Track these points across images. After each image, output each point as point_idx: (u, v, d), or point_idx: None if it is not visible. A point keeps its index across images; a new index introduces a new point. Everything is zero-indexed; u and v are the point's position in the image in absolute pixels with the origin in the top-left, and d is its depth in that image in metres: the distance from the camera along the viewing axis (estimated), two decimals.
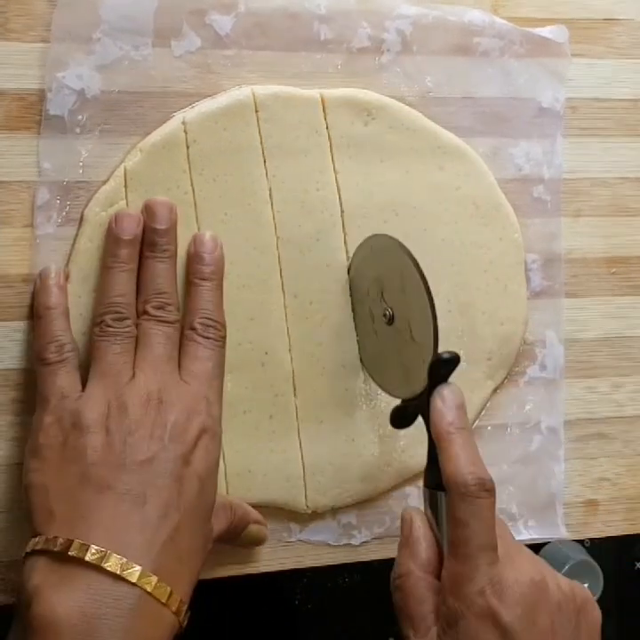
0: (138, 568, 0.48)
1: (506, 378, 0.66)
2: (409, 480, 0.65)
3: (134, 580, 0.48)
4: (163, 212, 0.57)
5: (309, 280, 0.62)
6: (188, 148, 0.59)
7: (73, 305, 0.57)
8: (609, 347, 0.69)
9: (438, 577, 0.53)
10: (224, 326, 0.58)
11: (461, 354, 0.63)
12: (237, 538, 0.60)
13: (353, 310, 0.62)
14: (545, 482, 0.67)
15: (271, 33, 0.61)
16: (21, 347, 0.58)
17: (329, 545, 0.64)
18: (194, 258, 0.58)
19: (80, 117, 0.57)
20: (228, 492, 0.61)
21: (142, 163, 0.58)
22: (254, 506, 0.61)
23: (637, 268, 0.69)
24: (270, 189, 0.61)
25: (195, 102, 0.60)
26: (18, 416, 0.58)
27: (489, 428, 0.66)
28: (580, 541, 0.69)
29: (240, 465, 0.61)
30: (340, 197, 0.62)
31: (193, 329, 0.57)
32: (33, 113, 0.57)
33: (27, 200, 0.58)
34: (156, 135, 0.59)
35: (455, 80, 0.64)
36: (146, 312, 0.56)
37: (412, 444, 0.64)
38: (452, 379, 0.55)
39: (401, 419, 0.58)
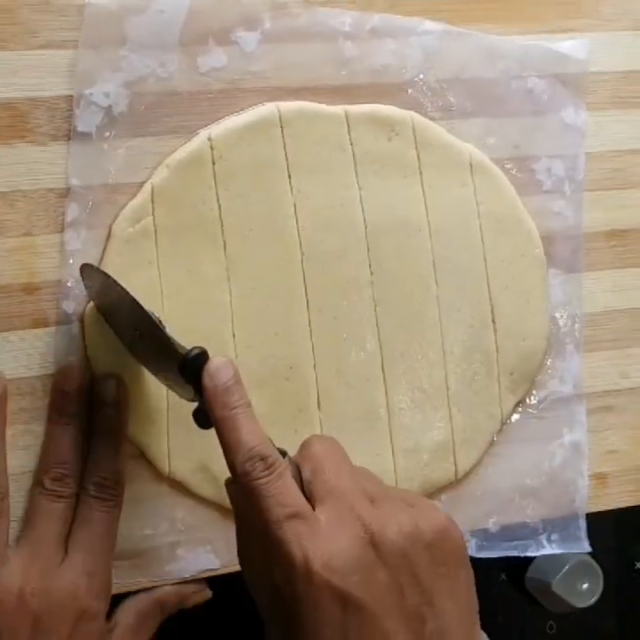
0: None
1: (528, 393, 0.67)
2: (431, 494, 0.65)
3: None
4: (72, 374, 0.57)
5: (333, 295, 0.62)
6: (213, 163, 0.59)
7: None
8: (615, 320, 0.69)
9: None
10: (120, 483, 0.56)
11: (484, 369, 0.65)
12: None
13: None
14: (569, 496, 0.67)
15: (296, 50, 0.61)
16: (24, 355, 0.58)
17: None
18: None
19: (107, 134, 0.58)
20: None
21: (169, 179, 0.58)
22: None
23: None
24: (295, 205, 0.61)
25: (220, 119, 0.60)
26: (27, 425, 0.58)
27: (511, 443, 0.66)
28: None
29: None
30: (363, 213, 0.62)
31: (85, 489, 0.56)
32: (23, 122, 0.57)
33: (23, 209, 0.57)
34: (183, 151, 0.59)
35: (478, 96, 0.65)
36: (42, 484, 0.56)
37: (435, 458, 0.64)
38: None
39: (203, 419, 0.52)
